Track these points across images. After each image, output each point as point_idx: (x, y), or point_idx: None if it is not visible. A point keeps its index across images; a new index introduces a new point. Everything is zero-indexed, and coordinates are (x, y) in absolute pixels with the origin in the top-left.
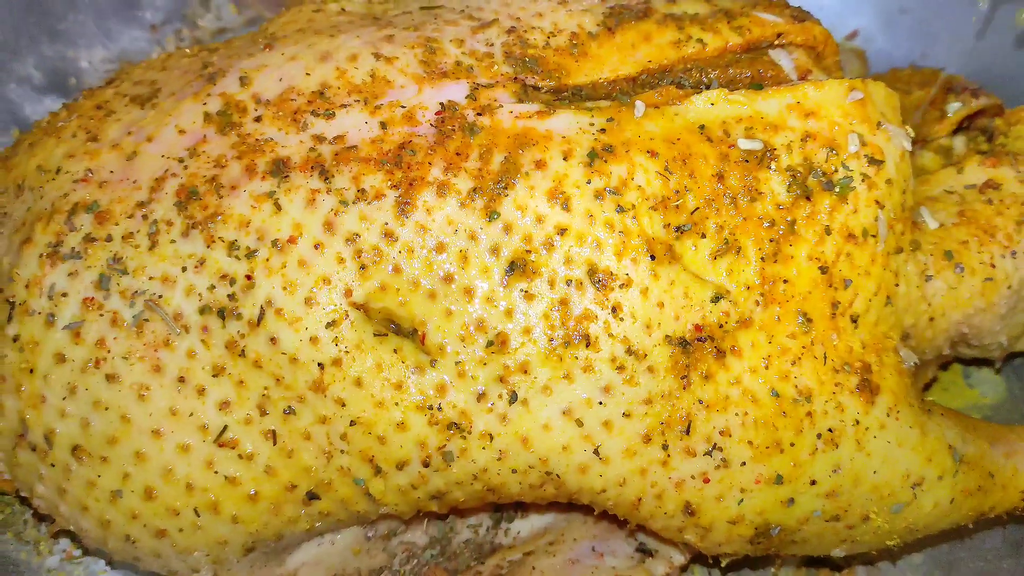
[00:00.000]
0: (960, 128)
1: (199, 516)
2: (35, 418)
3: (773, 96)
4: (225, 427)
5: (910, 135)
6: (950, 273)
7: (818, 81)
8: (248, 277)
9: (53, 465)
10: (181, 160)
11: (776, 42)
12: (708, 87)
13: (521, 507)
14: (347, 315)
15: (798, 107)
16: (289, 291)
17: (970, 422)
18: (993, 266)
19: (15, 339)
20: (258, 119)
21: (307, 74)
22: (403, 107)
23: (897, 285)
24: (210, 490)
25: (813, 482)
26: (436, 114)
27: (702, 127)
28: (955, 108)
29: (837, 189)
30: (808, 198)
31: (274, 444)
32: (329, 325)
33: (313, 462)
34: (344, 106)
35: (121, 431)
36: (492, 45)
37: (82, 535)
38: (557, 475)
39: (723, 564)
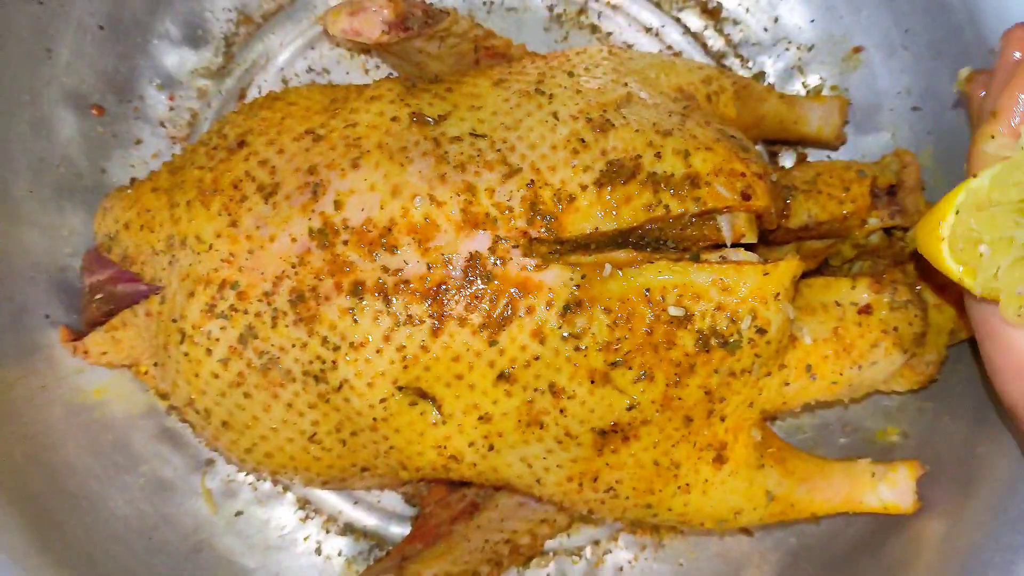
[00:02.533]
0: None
1: (296, 471)
2: (199, 400)
3: (704, 270)
4: (315, 433)
5: (792, 312)
6: (805, 380)
7: (740, 263)
8: (333, 363)
9: (210, 424)
10: (294, 266)
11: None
12: (664, 242)
13: None
14: (393, 394)
15: (720, 283)
16: (358, 376)
17: (794, 465)
18: (841, 374)
19: (186, 354)
20: (345, 243)
21: (381, 207)
22: (443, 254)
23: (760, 393)
24: (303, 460)
25: (670, 509)
26: (465, 260)
27: (648, 291)
28: (872, 223)
29: (728, 347)
30: (707, 351)
31: (344, 447)
32: (382, 401)
33: (367, 458)
34: (404, 245)
35: (252, 424)
36: (512, 199)
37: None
38: (513, 486)
39: None
